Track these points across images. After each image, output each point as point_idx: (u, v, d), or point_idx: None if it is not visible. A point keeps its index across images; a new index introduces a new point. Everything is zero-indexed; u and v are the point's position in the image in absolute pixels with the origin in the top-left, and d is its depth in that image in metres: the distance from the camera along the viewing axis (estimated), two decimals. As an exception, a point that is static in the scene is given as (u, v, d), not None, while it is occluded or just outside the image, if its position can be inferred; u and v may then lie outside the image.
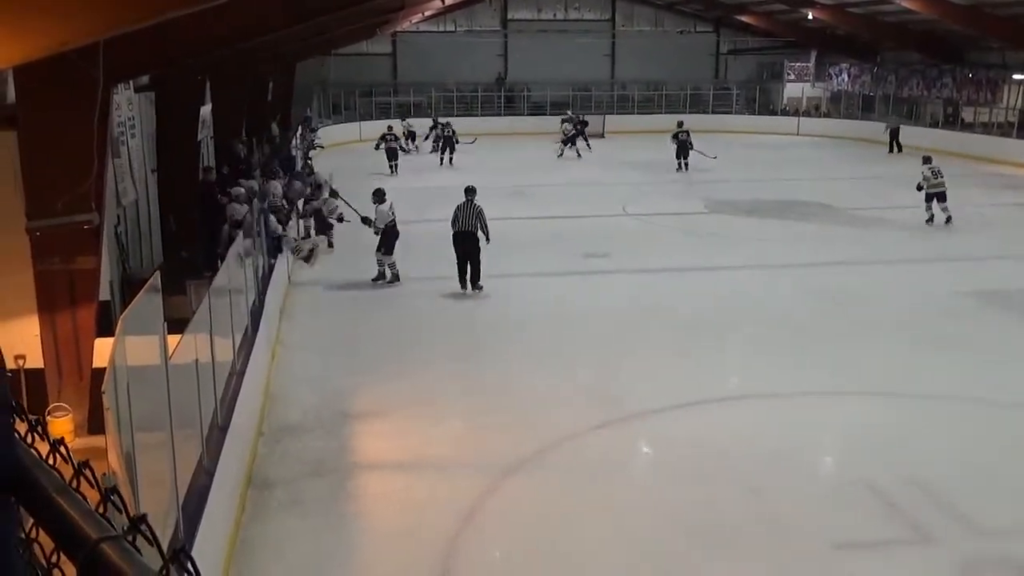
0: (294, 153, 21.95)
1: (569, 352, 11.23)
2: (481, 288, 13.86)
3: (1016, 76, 31.66)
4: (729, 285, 14.34)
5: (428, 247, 17.08)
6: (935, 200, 18.44)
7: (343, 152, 32.21)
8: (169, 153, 13.44)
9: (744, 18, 40.55)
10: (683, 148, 27.97)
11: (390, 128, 28.54)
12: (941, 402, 9.55)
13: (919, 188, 18.56)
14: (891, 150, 32.30)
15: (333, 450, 8.39)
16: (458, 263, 13.92)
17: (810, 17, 35.24)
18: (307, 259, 14.26)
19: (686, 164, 27.81)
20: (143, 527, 1.12)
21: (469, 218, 13.91)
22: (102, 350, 7.58)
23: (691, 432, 8.82)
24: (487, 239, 13.86)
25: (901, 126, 33.06)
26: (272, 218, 13.02)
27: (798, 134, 38.84)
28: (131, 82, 11.79)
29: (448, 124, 29.84)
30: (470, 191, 14.35)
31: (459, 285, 13.83)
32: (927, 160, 18.89)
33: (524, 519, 7.23)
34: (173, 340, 5.63)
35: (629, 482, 8.03)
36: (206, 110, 16.19)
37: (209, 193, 14.23)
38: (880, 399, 9.63)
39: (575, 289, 14.20)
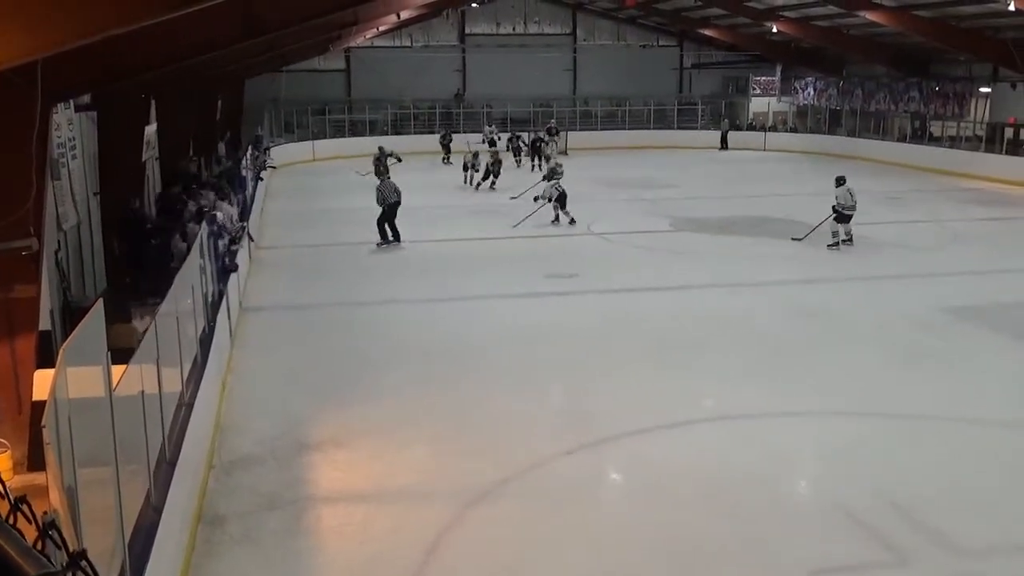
0: (244, 173, 21.55)
1: (537, 375, 11.02)
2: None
3: (982, 89, 32.13)
4: (698, 304, 14.23)
5: (387, 270, 16.89)
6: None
7: (296, 171, 31.87)
8: (112, 175, 13.09)
9: (708, 32, 40.80)
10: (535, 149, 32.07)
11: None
12: (916, 421, 9.45)
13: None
14: (722, 147, 39.03)
15: (288, 482, 8.06)
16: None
17: (775, 30, 35.49)
18: None
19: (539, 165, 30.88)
20: (83, 563, 1.16)
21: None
22: (42, 382, 7.25)
23: (664, 455, 8.63)
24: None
25: (728, 130, 40.17)
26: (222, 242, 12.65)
27: (765, 149, 39.15)
28: (71, 101, 11.44)
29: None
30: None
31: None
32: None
33: (491, 550, 6.97)
34: (118, 371, 5.39)
35: (600, 508, 7.82)
36: (151, 130, 15.83)
37: (137, 220, 13.75)
38: (855, 418, 9.54)
39: (541, 310, 13.96)
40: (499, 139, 33.92)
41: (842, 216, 18.07)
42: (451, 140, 35.15)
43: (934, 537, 6.99)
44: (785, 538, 7.06)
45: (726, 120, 41.31)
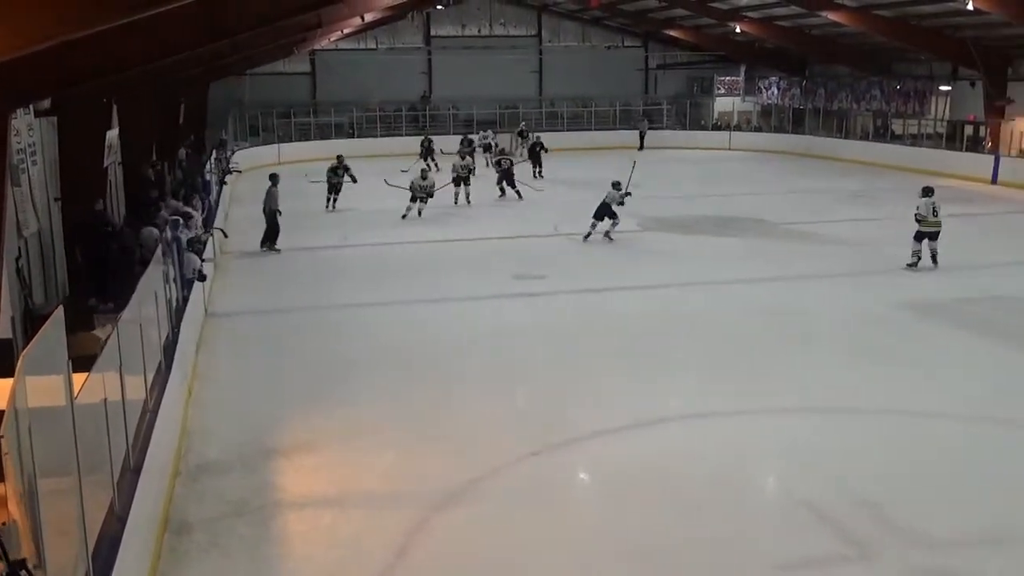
0: (208, 178, 21.34)
1: (507, 376, 11.01)
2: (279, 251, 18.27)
3: (942, 87, 32.52)
4: (666, 304, 14.29)
5: (355, 273, 16.78)
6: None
7: (262, 176, 31.48)
8: (74, 181, 12.89)
9: (672, 32, 40.92)
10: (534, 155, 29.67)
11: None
12: (879, 416, 9.54)
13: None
14: (640, 148, 38.31)
15: (255, 488, 7.99)
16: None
17: (738, 31, 35.74)
18: None
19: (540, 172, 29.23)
20: (23, 572, 1.03)
21: None
22: (1, 391, 7.11)
23: (632, 455, 8.64)
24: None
25: (647, 131, 40.12)
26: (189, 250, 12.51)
27: (730, 148, 39.36)
28: (31, 106, 11.27)
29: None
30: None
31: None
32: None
33: (460, 552, 6.96)
34: (79, 379, 5.29)
35: (569, 508, 7.81)
36: (113, 134, 15.60)
37: (99, 226, 13.53)
38: (819, 415, 9.62)
39: (509, 312, 13.94)
40: (496, 144, 32.39)
41: (918, 232, 16.12)
42: (431, 143, 32.43)
43: (898, 531, 7.06)
44: (752, 535, 7.10)
45: (645, 121, 41.39)
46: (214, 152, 26.50)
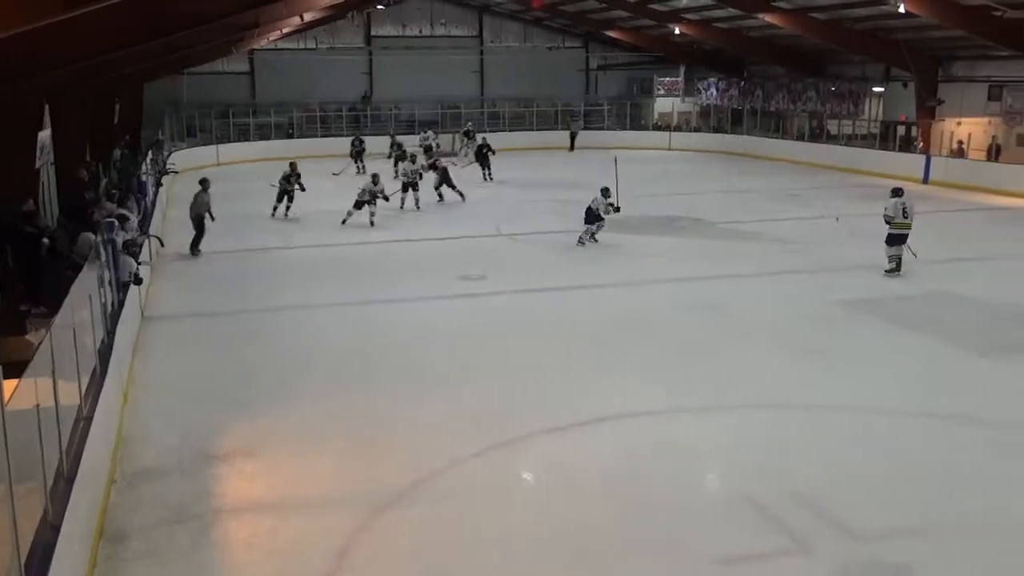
0: (144, 179, 20.96)
1: (449, 377, 10.98)
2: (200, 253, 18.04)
3: (876, 88, 33.26)
4: (608, 303, 14.41)
5: (297, 275, 16.62)
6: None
7: (199, 176, 31.08)
8: (4, 182, 12.57)
9: (612, 33, 41.32)
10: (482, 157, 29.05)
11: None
12: (817, 412, 9.73)
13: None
14: (571, 149, 39.19)
15: (194, 494, 7.87)
16: None
17: (677, 32, 36.17)
18: None
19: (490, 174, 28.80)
20: None
21: None
22: (-71, 399, 6.93)
23: (576, 453, 8.70)
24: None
25: (579, 131, 40.20)
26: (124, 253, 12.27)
27: (670, 148, 39.76)
28: (-42, 106, 10.99)
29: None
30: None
31: None
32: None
33: (403, 554, 6.94)
34: (10, 385, 5.20)
35: (513, 509, 7.81)
36: (45, 135, 15.25)
37: (30, 225, 13.20)
38: (760, 412, 9.75)
39: (452, 312, 13.94)
40: (437, 146, 31.71)
41: (889, 236, 15.78)
42: (364, 147, 31.75)
43: (835, 523, 7.21)
44: (692, 530, 7.19)
45: (580, 121, 41.60)
46: (150, 153, 26.03)
